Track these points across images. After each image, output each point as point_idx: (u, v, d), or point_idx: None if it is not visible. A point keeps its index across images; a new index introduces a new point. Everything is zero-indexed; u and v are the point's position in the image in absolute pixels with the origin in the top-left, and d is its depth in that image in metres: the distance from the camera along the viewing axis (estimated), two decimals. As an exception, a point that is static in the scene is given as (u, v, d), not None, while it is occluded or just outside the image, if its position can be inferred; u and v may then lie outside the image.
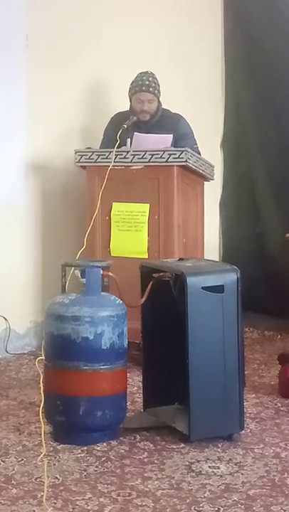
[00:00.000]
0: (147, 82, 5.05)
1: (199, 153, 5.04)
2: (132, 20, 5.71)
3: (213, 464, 3.42)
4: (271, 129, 6.03)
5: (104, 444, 3.62)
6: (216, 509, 2.99)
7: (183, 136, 5.09)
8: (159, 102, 5.12)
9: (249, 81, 6.20)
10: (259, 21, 6.09)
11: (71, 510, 3.00)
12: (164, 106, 5.18)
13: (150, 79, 5.07)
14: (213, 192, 5.87)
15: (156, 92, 5.07)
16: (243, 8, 6.23)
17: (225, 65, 6.39)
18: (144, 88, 5.04)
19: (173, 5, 5.98)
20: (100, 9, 5.59)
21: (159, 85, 5.10)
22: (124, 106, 5.20)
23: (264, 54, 6.07)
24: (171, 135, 4.99)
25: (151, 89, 5.05)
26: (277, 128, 5.98)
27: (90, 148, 5.10)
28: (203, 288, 3.61)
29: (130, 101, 5.10)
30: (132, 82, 5.10)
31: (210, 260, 4.50)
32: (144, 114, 5.07)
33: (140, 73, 5.11)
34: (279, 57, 5.95)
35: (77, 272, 3.74)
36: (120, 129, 4.91)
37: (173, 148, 4.89)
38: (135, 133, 4.96)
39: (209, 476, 3.29)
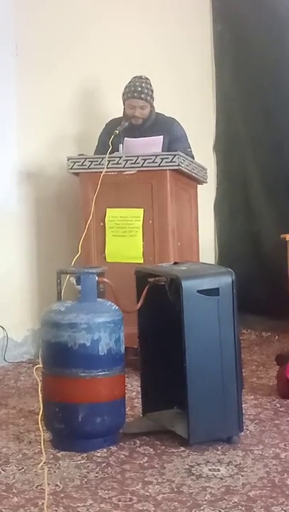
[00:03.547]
0: (140, 89, 5.05)
1: (193, 157, 5.05)
2: (122, 25, 5.72)
3: (213, 467, 3.43)
4: (262, 129, 6.04)
5: (104, 449, 3.63)
6: (217, 511, 3.00)
7: (176, 140, 5.10)
8: (152, 107, 5.12)
9: (239, 82, 6.22)
10: (247, 21, 6.10)
11: (72, 517, 3.01)
12: (156, 109, 5.18)
13: (143, 85, 5.07)
14: (207, 194, 5.88)
15: (148, 98, 5.07)
16: (232, 9, 6.24)
17: (215, 67, 6.40)
18: (136, 95, 5.05)
19: (161, 8, 6.00)
20: (89, 15, 5.60)
21: (152, 91, 5.10)
22: (116, 111, 5.21)
23: (253, 55, 6.08)
24: (161, 137, 5.00)
25: (143, 95, 5.05)
26: (268, 128, 5.99)
27: (82, 154, 5.11)
28: (198, 291, 3.62)
29: (124, 104, 5.12)
30: (126, 86, 5.10)
31: (205, 263, 4.51)
32: (137, 120, 5.08)
33: (134, 77, 5.11)
34: (268, 57, 5.96)
35: (73, 279, 3.74)
36: (112, 134, 4.93)
37: (165, 153, 4.90)
38: (125, 138, 4.97)
39: (209, 479, 3.30)
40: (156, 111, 5.16)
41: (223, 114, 6.38)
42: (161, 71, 5.72)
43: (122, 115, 5.14)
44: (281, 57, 5.87)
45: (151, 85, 5.11)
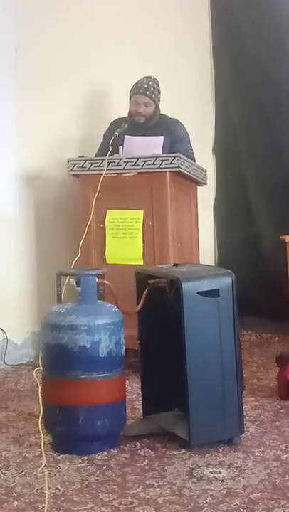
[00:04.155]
0: (146, 86, 5.08)
1: (194, 159, 5.05)
2: (121, 31, 5.72)
3: (214, 469, 3.42)
4: (261, 132, 6.03)
5: (105, 452, 3.62)
6: (218, 514, 2.99)
7: (179, 140, 5.10)
8: (157, 107, 5.13)
9: (238, 85, 6.21)
10: (246, 27, 6.09)
11: (73, 520, 3.00)
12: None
13: (150, 83, 5.10)
14: (206, 196, 5.87)
15: (153, 96, 5.08)
16: (230, 15, 6.24)
17: (214, 72, 6.40)
18: (141, 91, 5.07)
19: (160, 14, 5.99)
20: (89, 19, 5.59)
21: (159, 91, 5.12)
22: (116, 114, 5.21)
23: (252, 60, 6.07)
24: (162, 137, 5.00)
25: (148, 93, 5.07)
26: (267, 131, 5.99)
27: (82, 156, 5.10)
28: (198, 293, 3.61)
29: (130, 102, 5.12)
30: (134, 83, 5.13)
31: (205, 265, 4.50)
32: (139, 117, 5.08)
33: (144, 76, 5.14)
34: (267, 62, 5.95)
35: (73, 281, 3.73)
36: (112, 136, 4.92)
37: (165, 155, 4.89)
38: (126, 136, 4.97)
39: (210, 481, 3.29)
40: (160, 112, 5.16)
41: (222, 116, 6.37)
42: (160, 76, 5.68)
43: (126, 115, 5.14)
44: (279, 62, 5.86)
45: (158, 86, 5.13)
